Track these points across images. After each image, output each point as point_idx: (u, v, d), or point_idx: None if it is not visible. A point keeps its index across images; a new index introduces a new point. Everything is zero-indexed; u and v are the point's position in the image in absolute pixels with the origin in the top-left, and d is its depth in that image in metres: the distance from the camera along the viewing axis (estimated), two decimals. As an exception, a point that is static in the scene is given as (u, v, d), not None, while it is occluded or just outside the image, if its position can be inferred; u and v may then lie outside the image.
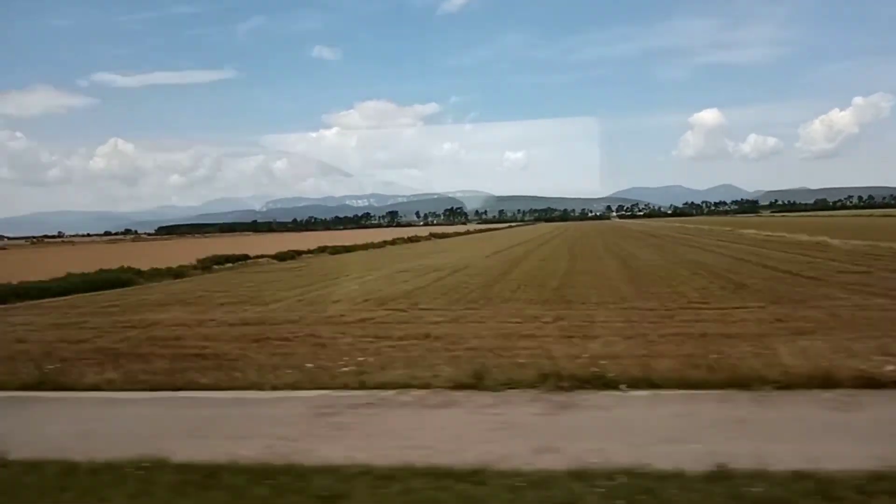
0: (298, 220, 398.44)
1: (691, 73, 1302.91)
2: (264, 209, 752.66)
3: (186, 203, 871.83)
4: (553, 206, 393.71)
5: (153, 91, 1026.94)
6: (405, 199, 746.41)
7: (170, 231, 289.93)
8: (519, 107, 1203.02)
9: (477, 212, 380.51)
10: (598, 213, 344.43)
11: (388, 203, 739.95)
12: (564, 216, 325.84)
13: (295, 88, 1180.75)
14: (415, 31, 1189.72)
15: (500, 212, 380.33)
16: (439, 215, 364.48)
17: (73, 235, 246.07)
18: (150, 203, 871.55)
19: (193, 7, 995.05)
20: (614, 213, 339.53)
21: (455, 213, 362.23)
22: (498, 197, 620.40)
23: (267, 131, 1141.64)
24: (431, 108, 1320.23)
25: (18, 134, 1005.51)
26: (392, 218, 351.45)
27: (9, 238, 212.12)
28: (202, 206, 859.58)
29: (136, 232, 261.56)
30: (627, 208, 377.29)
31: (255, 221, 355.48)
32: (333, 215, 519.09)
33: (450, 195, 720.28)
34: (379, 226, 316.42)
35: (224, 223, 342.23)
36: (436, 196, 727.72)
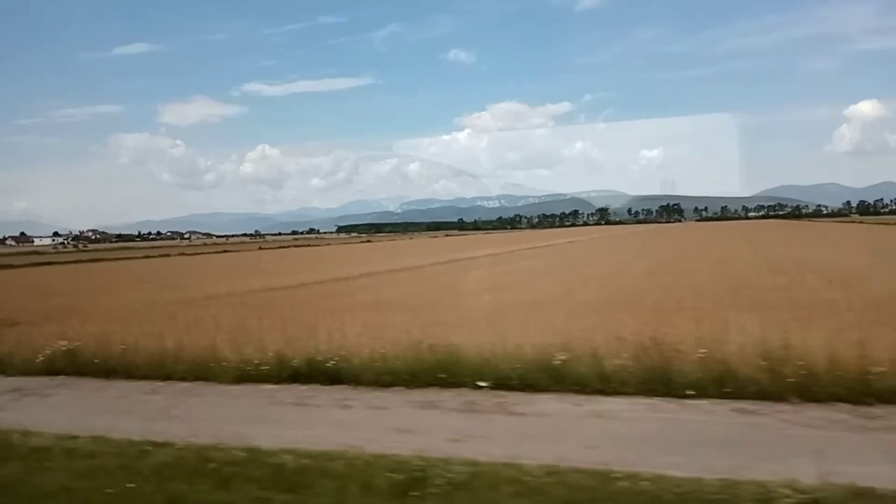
0: (466, 220, 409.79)
1: (845, 62, 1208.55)
2: (400, 210, 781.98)
3: (326, 205, 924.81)
4: (692, 206, 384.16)
5: (297, 99, 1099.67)
6: (536, 200, 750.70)
7: (351, 230, 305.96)
8: (655, 103, 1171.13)
9: (629, 211, 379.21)
10: (739, 213, 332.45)
11: (519, 204, 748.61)
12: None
13: (429, 92, 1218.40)
14: (550, 29, 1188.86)
15: (639, 211, 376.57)
16: (577, 214, 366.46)
17: (231, 236, 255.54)
18: (292, 205, 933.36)
19: (335, 17, 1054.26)
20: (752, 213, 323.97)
21: (603, 212, 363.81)
22: (633, 197, 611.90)
23: (401, 135, 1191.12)
24: (564, 107, 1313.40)
25: (178, 142, 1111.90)
26: (602, 216, 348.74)
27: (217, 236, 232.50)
28: (341, 208, 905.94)
29: (317, 231, 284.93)
30: (771, 207, 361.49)
31: (460, 220, 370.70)
32: (465, 217, 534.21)
33: (583, 196, 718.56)
34: (586, 224, 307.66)
35: (430, 222, 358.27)
36: (568, 196, 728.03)
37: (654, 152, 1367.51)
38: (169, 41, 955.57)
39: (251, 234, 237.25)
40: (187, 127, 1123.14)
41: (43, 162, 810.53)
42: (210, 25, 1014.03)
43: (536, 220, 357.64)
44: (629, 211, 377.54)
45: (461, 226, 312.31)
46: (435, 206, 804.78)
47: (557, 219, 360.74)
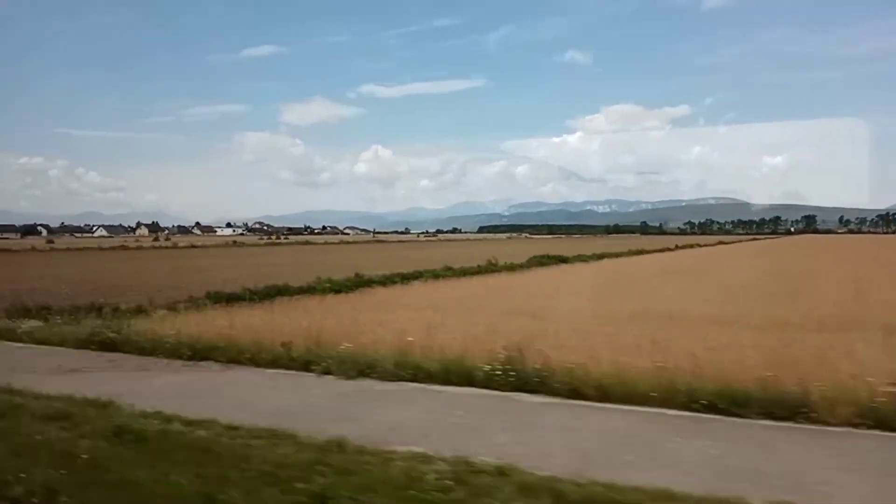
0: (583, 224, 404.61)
1: None
2: (507, 213, 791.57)
3: (434, 206, 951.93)
4: (816, 216, 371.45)
5: (409, 100, 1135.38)
6: (650, 206, 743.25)
7: (491, 231, 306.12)
8: (779, 107, 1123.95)
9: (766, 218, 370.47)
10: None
11: (631, 209, 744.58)
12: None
13: (540, 94, 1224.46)
14: (671, 29, 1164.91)
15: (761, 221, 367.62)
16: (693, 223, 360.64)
17: (385, 232, 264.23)
18: (401, 205, 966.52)
19: (450, 19, 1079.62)
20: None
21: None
22: (753, 204, 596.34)
23: (510, 137, 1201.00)
24: (682, 110, 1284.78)
25: (298, 141, 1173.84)
26: (808, 223, 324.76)
27: (353, 230, 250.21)
28: (448, 209, 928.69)
29: (459, 230, 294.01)
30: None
31: (615, 224, 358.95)
32: (576, 220, 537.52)
33: (699, 202, 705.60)
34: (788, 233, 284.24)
35: (604, 225, 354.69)
36: (683, 203, 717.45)
37: (778, 159, 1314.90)
38: (293, 43, 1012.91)
39: (401, 231, 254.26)
40: (306, 126, 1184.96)
41: (172, 158, 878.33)
42: (332, 28, 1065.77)
43: (683, 225, 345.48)
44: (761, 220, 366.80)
45: (616, 230, 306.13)
46: (543, 209, 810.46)
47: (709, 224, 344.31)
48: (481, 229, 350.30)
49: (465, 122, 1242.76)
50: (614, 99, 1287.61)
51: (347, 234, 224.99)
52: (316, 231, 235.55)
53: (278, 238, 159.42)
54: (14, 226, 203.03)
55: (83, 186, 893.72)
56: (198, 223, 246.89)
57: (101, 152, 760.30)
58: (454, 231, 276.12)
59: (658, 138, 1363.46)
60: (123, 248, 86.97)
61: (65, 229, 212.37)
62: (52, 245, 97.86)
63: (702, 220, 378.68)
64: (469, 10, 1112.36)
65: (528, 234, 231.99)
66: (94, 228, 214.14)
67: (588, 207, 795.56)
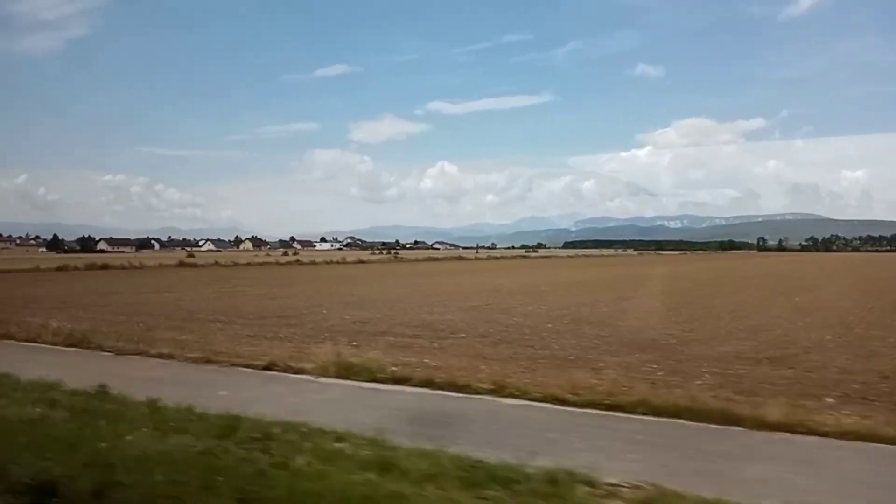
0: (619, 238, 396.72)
1: None
2: (574, 228, 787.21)
3: (499, 221, 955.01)
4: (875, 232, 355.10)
5: (476, 117, 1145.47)
6: (723, 222, 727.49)
7: (577, 246, 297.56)
8: (859, 120, 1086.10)
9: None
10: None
11: (703, 225, 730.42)
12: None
13: (608, 109, 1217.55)
14: (747, 41, 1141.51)
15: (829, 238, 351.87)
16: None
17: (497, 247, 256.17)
18: (466, 220, 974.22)
19: (521, 35, 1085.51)
20: None
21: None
22: (830, 220, 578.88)
23: (576, 152, 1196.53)
24: (757, 123, 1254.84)
25: (366, 158, 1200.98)
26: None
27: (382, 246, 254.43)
28: (513, 224, 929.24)
29: (543, 245, 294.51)
30: None
31: (663, 241, 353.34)
32: (647, 236, 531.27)
33: (777, 218, 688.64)
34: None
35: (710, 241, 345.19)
36: (759, 219, 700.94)
37: (858, 173, 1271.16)
38: (364, 62, 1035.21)
39: (488, 247, 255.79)
40: (375, 144, 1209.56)
41: (247, 175, 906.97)
42: (402, 46, 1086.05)
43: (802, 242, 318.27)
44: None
45: (731, 245, 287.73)
46: (611, 224, 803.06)
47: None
48: (565, 245, 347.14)
49: (532, 137, 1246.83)
50: (686, 113, 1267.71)
51: (437, 248, 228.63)
52: (408, 246, 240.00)
53: (385, 253, 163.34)
54: (129, 239, 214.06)
55: (161, 202, 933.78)
56: (293, 238, 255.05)
57: (180, 170, 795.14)
58: (539, 247, 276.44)
59: (731, 152, 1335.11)
60: (279, 263, 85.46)
61: (174, 243, 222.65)
62: (192, 259, 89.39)
63: (782, 237, 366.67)
64: (540, 25, 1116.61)
65: (633, 251, 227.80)
66: (202, 242, 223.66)
67: (658, 223, 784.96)
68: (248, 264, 72.09)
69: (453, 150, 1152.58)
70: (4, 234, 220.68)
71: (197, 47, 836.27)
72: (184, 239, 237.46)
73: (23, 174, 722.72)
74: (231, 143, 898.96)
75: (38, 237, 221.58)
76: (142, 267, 59.92)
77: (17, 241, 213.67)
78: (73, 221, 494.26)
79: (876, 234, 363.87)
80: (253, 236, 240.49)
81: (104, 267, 57.73)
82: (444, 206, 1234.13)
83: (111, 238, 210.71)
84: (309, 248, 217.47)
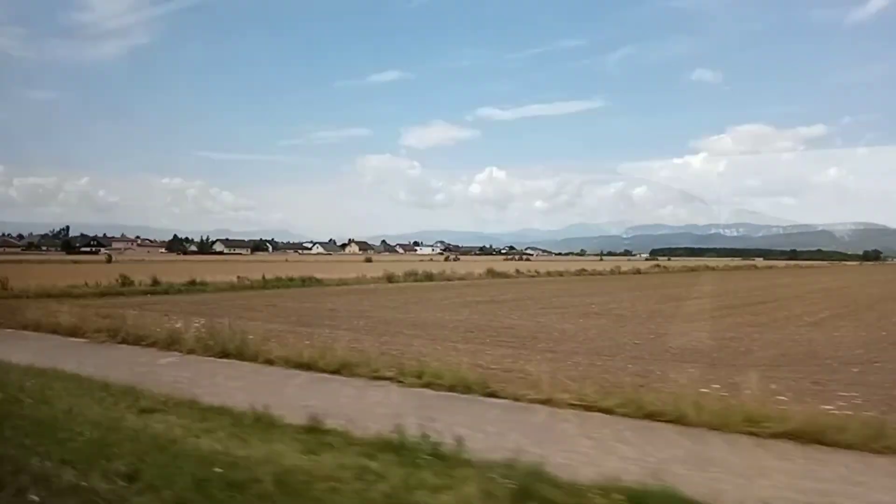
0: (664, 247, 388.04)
1: None
2: (626, 235, 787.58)
3: (546, 227, 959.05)
4: None
5: (526, 123, 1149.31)
6: (781, 231, 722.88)
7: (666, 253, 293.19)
8: None
9: None
10: None
11: (760, 234, 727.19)
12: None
13: (662, 115, 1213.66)
14: (809, 46, 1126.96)
15: None
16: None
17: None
18: (513, 226, 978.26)
19: (575, 40, 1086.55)
20: None
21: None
22: (892, 230, 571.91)
23: (627, 158, 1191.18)
24: (817, 130, 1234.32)
25: (415, 163, 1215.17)
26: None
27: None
28: (561, 231, 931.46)
29: (631, 253, 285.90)
30: None
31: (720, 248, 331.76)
32: (703, 244, 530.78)
33: (837, 228, 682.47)
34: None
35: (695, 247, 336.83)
36: (818, 228, 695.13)
37: None
38: (416, 68, 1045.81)
39: (575, 253, 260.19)
40: (424, 149, 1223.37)
41: (298, 179, 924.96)
42: (455, 52, 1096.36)
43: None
44: None
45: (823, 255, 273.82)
46: (664, 231, 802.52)
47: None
48: (653, 252, 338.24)
49: (583, 143, 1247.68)
50: (743, 119, 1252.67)
51: (530, 254, 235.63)
52: (502, 252, 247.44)
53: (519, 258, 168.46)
54: (243, 241, 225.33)
55: (216, 205, 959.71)
56: (399, 244, 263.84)
57: (234, 174, 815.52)
58: (627, 253, 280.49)
59: (789, 160, 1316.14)
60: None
61: (286, 245, 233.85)
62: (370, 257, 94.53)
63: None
64: (595, 30, 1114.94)
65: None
66: (312, 245, 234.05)
67: (713, 231, 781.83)
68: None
69: (502, 155, 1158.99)
70: (119, 235, 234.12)
71: (253, 54, 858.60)
72: (289, 242, 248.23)
73: (85, 177, 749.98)
74: (284, 148, 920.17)
75: (153, 239, 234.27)
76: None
77: (137, 241, 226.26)
78: (131, 223, 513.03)
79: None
80: (362, 241, 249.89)
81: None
82: (492, 211, 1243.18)
83: (227, 240, 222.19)
84: (411, 252, 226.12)
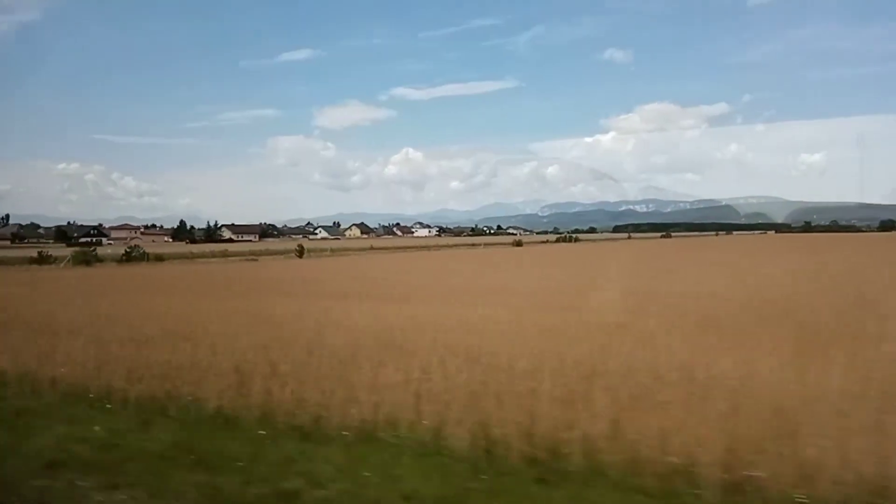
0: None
1: None
2: (542, 213, 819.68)
3: (463, 207, 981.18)
4: (863, 216, 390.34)
5: (441, 102, 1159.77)
6: (688, 206, 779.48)
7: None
8: (819, 104, 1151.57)
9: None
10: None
11: (669, 209, 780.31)
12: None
13: (572, 94, 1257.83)
14: (713, 27, 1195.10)
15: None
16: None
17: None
18: (430, 207, 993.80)
19: (490, 20, 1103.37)
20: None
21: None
22: (792, 204, 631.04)
23: (540, 137, 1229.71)
24: (720, 108, 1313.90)
25: (330, 144, 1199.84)
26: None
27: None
28: (478, 211, 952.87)
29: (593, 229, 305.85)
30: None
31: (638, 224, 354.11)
32: (618, 221, 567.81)
33: (740, 202, 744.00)
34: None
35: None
36: (722, 203, 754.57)
37: (816, 156, 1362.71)
38: (329, 46, 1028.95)
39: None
40: (339, 130, 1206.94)
41: (206, 162, 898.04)
42: (368, 30, 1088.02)
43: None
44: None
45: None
46: (578, 209, 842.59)
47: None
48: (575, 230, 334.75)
49: (497, 123, 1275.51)
50: (650, 98, 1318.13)
51: (513, 234, 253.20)
52: (492, 232, 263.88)
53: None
54: (251, 226, 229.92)
55: (118, 191, 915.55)
56: (398, 223, 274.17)
57: (137, 157, 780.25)
58: (575, 233, 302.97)
59: (694, 137, 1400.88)
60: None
61: (291, 231, 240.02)
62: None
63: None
64: (510, 9, 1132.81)
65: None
66: (316, 230, 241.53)
67: (624, 208, 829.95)
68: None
69: (418, 136, 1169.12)
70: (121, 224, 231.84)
71: (154, 32, 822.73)
72: (296, 227, 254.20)
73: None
74: (189, 131, 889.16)
75: (161, 226, 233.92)
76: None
77: (141, 230, 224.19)
78: (25, 211, 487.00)
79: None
80: (362, 223, 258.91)
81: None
82: (409, 192, 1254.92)
83: (233, 224, 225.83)
84: (408, 235, 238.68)
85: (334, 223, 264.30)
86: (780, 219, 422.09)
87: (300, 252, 77.08)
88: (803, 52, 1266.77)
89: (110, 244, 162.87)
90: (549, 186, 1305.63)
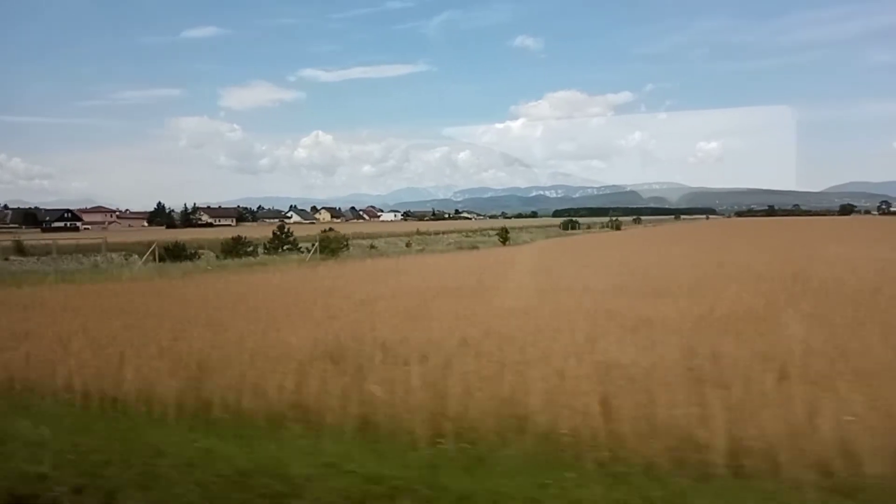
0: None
1: None
2: (456, 199, 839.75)
3: (376, 192, 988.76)
4: (758, 201, 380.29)
5: (352, 85, 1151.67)
6: (595, 192, 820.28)
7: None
8: (716, 95, 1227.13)
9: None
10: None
11: (577, 195, 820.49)
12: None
13: (484, 80, 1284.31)
14: (620, 16, 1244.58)
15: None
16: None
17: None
18: (342, 191, 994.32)
19: (402, 2, 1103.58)
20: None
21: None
22: (692, 189, 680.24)
23: (452, 123, 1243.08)
24: (624, 96, 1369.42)
25: (236, 126, 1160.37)
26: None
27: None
28: (391, 195, 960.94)
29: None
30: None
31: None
32: (531, 206, 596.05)
33: (644, 188, 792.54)
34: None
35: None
36: (627, 189, 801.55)
37: (713, 144, 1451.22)
38: (235, 24, 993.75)
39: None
40: (246, 111, 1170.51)
41: (103, 143, 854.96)
42: (277, 9, 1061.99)
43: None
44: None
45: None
46: (491, 194, 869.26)
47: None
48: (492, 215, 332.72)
49: (409, 107, 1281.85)
50: (558, 85, 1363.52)
51: (469, 217, 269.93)
52: (479, 216, 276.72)
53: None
54: (227, 209, 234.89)
55: (5, 173, 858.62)
56: (371, 207, 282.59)
57: (25, 138, 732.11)
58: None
59: (599, 125, 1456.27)
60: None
61: (266, 214, 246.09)
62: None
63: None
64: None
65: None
66: (289, 214, 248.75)
67: (536, 193, 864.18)
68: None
69: (328, 119, 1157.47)
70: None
71: (42, 5, 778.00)
72: (270, 209, 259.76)
73: None
74: (83, 110, 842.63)
75: (127, 210, 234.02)
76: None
77: (116, 214, 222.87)
78: None
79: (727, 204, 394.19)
80: (333, 208, 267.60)
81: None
82: (320, 176, 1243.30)
83: (208, 207, 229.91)
84: (375, 220, 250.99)
85: (311, 208, 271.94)
86: (679, 204, 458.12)
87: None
88: (703, 45, 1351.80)
89: (87, 229, 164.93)
90: (461, 172, 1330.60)
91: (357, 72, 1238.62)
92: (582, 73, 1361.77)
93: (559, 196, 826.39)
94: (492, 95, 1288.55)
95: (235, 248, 48.10)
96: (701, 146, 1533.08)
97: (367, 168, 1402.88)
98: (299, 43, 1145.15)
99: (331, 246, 46.54)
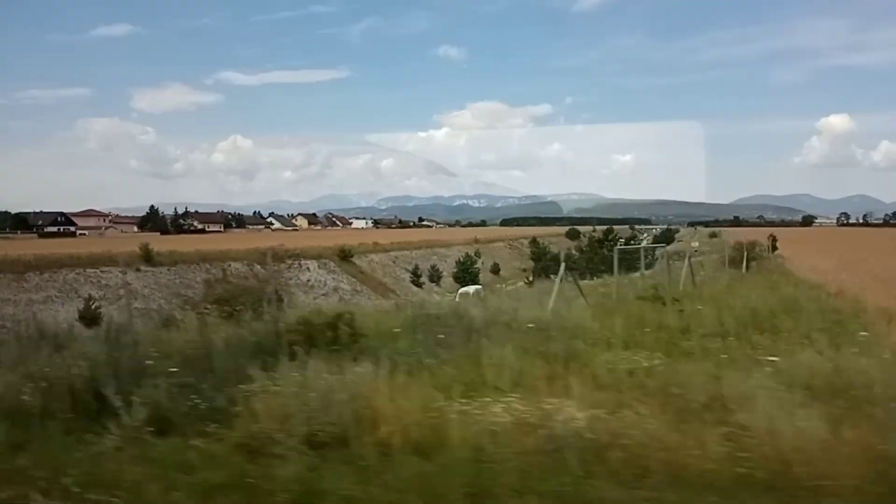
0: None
1: (816, 76, 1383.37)
2: (380, 206, 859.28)
3: (297, 199, 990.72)
4: (673, 213, 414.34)
5: (272, 89, 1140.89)
6: (516, 201, 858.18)
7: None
8: (630, 109, 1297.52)
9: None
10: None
11: (499, 204, 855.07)
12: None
13: (407, 89, 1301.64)
14: (540, 30, 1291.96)
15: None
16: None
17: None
18: (262, 198, 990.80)
19: (326, 6, 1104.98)
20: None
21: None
22: (609, 200, 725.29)
23: (375, 130, 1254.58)
24: (544, 108, 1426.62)
25: (149, 129, 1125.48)
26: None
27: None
28: (313, 203, 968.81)
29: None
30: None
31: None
32: (454, 215, 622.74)
33: (563, 198, 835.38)
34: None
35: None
36: (548, 199, 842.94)
37: (627, 157, 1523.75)
38: (150, 23, 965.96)
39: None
40: (160, 114, 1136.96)
41: (4, 145, 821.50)
42: (197, 9, 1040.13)
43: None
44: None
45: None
46: (415, 202, 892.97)
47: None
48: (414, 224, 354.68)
49: (331, 113, 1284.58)
50: (481, 96, 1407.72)
51: (429, 225, 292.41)
52: (439, 224, 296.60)
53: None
54: (212, 214, 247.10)
55: None
56: (333, 213, 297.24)
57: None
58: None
59: (520, 136, 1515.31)
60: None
61: (252, 220, 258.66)
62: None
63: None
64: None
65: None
66: (272, 222, 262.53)
67: (459, 202, 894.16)
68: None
69: (247, 123, 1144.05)
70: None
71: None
72: (252, 214, 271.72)
73: None
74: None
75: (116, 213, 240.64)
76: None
77: (110, 217, 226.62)
78: None
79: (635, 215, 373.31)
80: (311, 213, 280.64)
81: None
82: (238, 182, 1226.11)
83: (196, 212, 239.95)
84: (347, 227, 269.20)
85: (287, 215, 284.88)
86: (596, 214, 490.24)
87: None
88: (616, 61, 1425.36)
89: (84, 234, 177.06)
90: (385, 180, 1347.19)
91: (278, 76, 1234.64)
92: (504, 85, 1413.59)
93: (482, 206, 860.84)
94: (415, 103, 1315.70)
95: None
96: (616, 158, 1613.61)
97: (287, 174, 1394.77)
98: (218, 45, 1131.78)
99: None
